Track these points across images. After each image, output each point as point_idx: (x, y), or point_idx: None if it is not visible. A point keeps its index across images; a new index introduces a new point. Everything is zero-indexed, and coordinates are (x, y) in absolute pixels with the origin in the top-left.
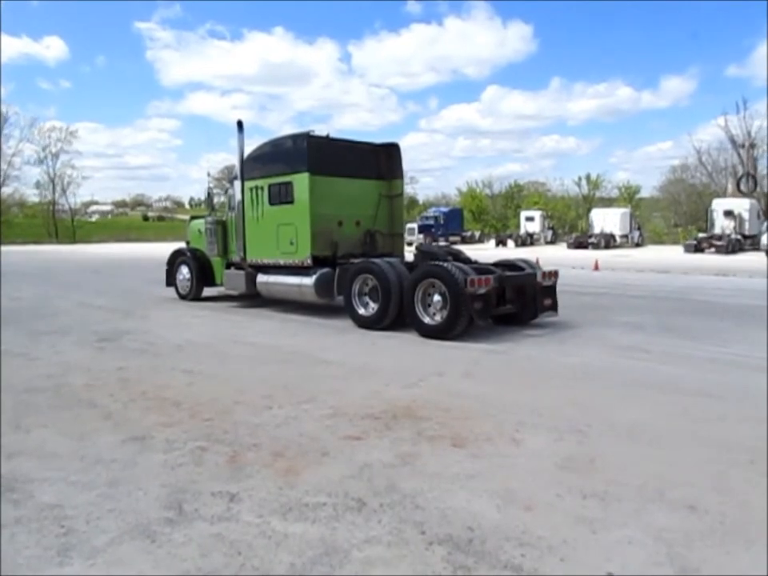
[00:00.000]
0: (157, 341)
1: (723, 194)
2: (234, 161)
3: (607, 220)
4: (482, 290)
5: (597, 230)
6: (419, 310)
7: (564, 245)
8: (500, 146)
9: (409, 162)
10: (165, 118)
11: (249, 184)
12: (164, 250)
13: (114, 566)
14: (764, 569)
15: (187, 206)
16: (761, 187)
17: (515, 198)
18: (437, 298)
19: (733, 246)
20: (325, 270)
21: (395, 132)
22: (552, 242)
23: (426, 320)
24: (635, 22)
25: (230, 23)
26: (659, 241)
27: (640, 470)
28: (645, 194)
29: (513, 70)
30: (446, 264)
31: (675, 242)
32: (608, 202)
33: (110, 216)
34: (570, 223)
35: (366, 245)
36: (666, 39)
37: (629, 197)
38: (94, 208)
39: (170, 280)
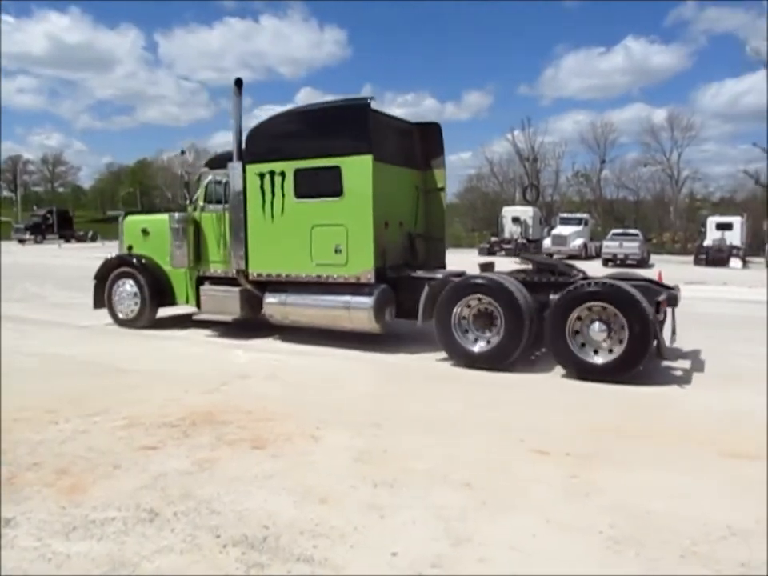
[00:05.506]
0: None
1: (512, 201)
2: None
3: None
4: (662, 316)
5: None
6: (572, 343)
7: None
8: None
9: None
10: None
11: (255, 168)
12: None
13: None
14: (523, 533)
15: None
16: (542, 197)
17: None
18: (598, 326)
19: (520, 250)
20: (383, 286)
21: (205, 129)
22: None
23: (597, 360)
24: (441, 38)
25: None
26: (458, 244)
27: (429, 457)
28: (446, 200)
29: (327, 74)
30: (619, 283)
31: (472, 245)
32: None
33: None
34: None
35: (407, 252)
36: (468, 56)
37: None
38: None
39: (101, 300)
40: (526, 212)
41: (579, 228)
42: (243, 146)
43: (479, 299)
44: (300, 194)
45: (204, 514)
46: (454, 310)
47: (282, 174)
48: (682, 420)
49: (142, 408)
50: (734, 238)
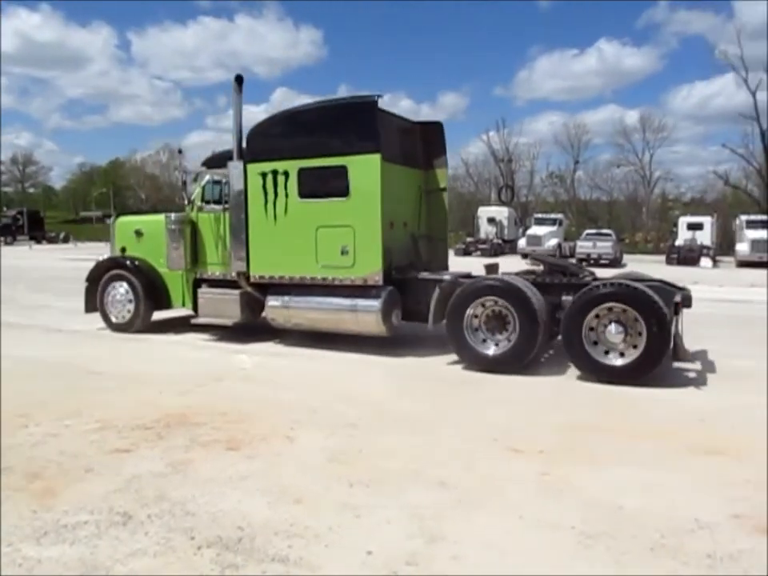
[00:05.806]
0: None
1: (487, 202)
2: None
3: None
4: (680, 317)
5: None
6: (589, 345)
7: None
8: None
9: (194, 162)
10: None
11: (257, 167)
12: None
13: None
14: (496, 532)
15: None
16: (517, 197)
17: None
18: (614, 328)
19: (495, 250)
20: (390, 287)
21: (179, 128)
22: None
23: (615, 361)
24: (417, 39)
25: None
26: None
27: (403, 456)
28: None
29: (304, 74)
30: (636, 284)
31: (449, 246)
32: None
33: None
34: None
35: (411, 253)
36: (444, 57)
37: None
38: None
39: (93, 304)
40: (501, 212)
41: (554, 228)
42: (244, 144)
43: (492, 301)
44: (304, 194)
45: (178, 515)
46: (466, 313)
47: (286, 173)
48: (655, 416)
49: (115, 410)
50: (705, 237)
